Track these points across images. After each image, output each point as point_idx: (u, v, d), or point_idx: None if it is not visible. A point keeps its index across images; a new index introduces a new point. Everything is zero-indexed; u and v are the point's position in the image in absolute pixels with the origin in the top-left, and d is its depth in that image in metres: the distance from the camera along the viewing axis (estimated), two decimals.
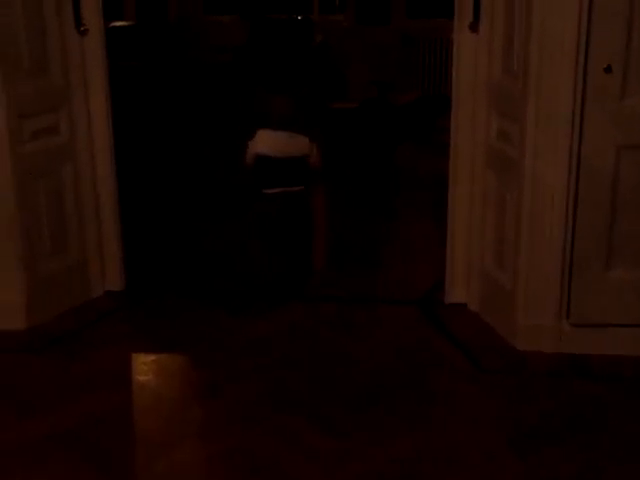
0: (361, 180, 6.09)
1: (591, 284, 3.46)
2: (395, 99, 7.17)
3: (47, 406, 3.21)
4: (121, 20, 9.78)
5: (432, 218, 4.87)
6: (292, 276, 4.27)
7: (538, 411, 3.18)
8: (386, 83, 7.32)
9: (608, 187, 3.36)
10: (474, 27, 3.66)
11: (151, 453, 2.96)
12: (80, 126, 3.96)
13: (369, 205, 5.74)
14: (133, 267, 4.34)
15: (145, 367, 3.57)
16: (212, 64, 6.99)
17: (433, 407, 3.25)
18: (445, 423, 3.11)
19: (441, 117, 4.72)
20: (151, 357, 3.64)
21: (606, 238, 3.41)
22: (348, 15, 9.98)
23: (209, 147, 5.82)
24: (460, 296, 4.02)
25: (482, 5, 3.61)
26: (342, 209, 5.55)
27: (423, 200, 5.71)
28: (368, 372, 3.47)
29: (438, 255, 4.13)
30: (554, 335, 3.54)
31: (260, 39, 7.96)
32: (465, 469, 2.80)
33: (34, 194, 3.79)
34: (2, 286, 3.77)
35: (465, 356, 3.58)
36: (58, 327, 3.85)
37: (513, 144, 3.54)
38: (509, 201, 3.61)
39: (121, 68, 5.34)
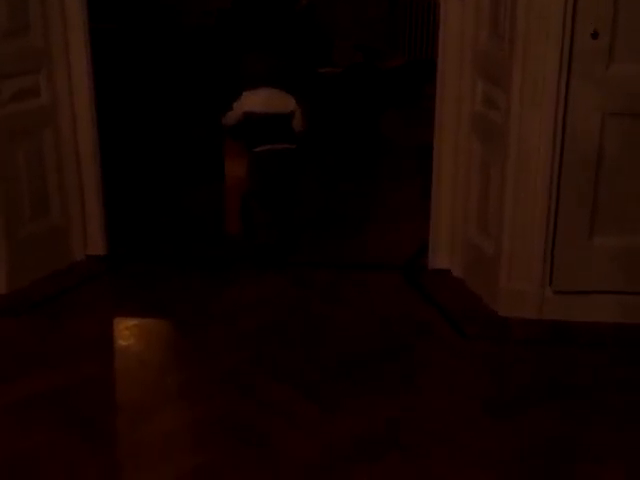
0: (345, 146, 6.05)
1: (574, 251, 3.46)
2: (381, 64, 7.10)
3: (28, 371, 3.20)
4: None
5: (417, 185, 4.85)
6: (283, 238, 4.27)
7: (519, 377, 3.20)
8: (372, 48, 7.25)
9: (593, 154, 3.35)
10: None
11: (133, 418, 2.95)
12: (61, 88, 3.91)
13: (353, 171, 5.71)
14: (115, 231, 4.31)
15: (127, 332, 3.55)
16: (196, 27, 6.89)
17: (415, 373, 3.26)
18: (427, 389, 3.12)
19: (428, 83, 4.68)
20: (133, 322, 3.63)
21: (590, 205, 3.41)
22: None
23: (192, 110, 5.76)
24: (443, 262, 4.02)
25: None
26: (326, 175, 5.54)
27: (408, 167, 5.68)
28: (351, 338, 3.47)
29: (422, 222, 4.12)
30: (537, 302, 3.55)
31: (244, 2, 7.86)
32: (445, 434, 2.81)
33: (14, 157, 3.74)
34: None
35: (447, 322, 3.59)
36: (39, 291, 3.82)
37: (499, 110, 3.52)
38: (493, 167, 3.60)
39: (103, 31, 5.26)
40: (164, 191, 5.24)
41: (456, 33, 3.71)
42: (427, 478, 2.57)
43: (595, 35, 3.20)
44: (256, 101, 4.20)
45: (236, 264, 4.19)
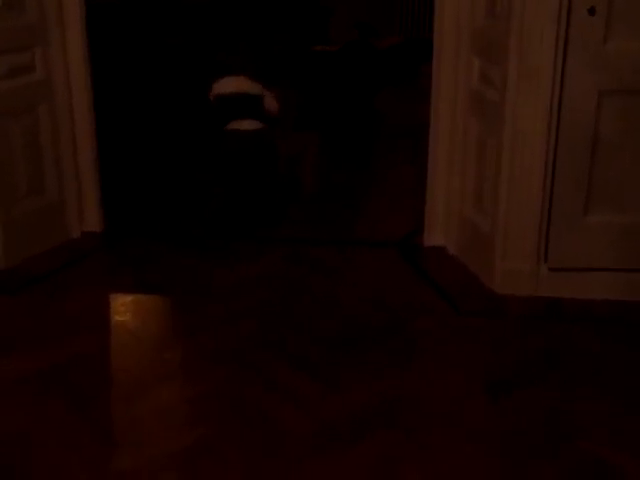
0: (341, 124, 6.03)
1: (569, 228, 3.47)
2: (378, 43, 7.08)
3: (23, 346, 3.21)
4: None
5: (413, 163, 4.85)
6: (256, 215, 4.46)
7: (514, 354, 3.21)
8: (369, 26, 7.22)
9: (589, 131, 3.35)
10: None
11: (129, 394, 2.95)
12: (57, 64, 3.90)
13: (349, 149, 5.71)
14: (112, 208, 4.31)
15: (123, 308, 3.57)
16: (190, 4, 6.84)
17: (411, 349, 3.27)
18: (422, 365, 3.13)
19: (425, 62, 4.71)
20: (129, 298, 3.64)
21: (585, 183, 3.41)
22: None
23: (183, 89, 5.73)
24: (439, 239, 4.03)
25: None
26: (322, 153, 5.53)
27: (404, 145, 5.68)
28: (347, 315, 3.48)
29: (418, 200, 4.13)
30: (532, 279, 3.56)
31: None
32: (445, 411, 2.82)
33: (9, 133, 3.73)
34: None
35: (443, 299, 3.60)
36: (35, 268, 3.83)
37: (495, 88, 3.51)
38: (489, 145, 3.60)
39: (97, 6, 5.22)
40: (159, 168, 5.24)
41: (452, 11, 3.70)
42: (427, 455, 2.59)
43: (592, 11, 3.19)
44: (224, 85, 4.56)
45: (235, 242, 4.19)
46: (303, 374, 3.02)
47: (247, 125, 4.45)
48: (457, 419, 2.78)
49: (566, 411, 2.82)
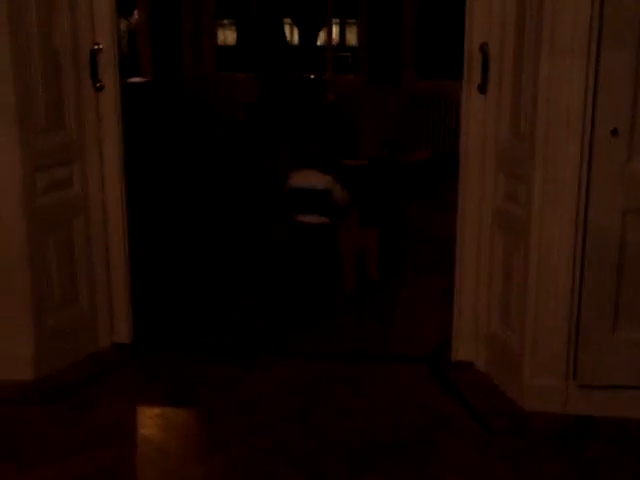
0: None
1: (598, 345, 3.45)
2: (404, 158, 7.23)
3: (50, 458, 3.21)
4: (138, 76, 9.96)
5: (439, 275, 4.88)
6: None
7: (544, 475, 3.15)
8: (396, 141, 7.39)
9: (614, 249, 3.37)
10: (482, 89, 3.72)
11: None
12: (93, 179, 4.02)
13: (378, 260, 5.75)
14: (141, 318, 4.36)
15: (149, 421, 3.57)
16: (226, 121, 7.09)
17: (439, 468, 3.22)
18: None
19: (448, 176, 4.84)
20: (156, 411, 3.64)
21: (613, 300, 3.41)
22: (360, 75, 10.13)
23: (218, 203, 5.88)
24: (467, 354, 4.01)
25: (490, 67, 3.67)
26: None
27: (430, 257, 5.72)
28: (372, 431, 3.45)
29: (445, 313, 4.14)
30: (561, 396, 3.52)
31: (273, 96, 8.08)
32: None
33: (45, 245, 3.84)
34: (11, 337, 3.79)
35: (471, 416, 3.56)
36: (65, 379, 3.86)
37: (520, 205, 3.56)
38: (516, 261, 3.63)
39: (137, 124, 5.43)
40: (190, 279, 5.31)
41: (477, 127, 3.79)
42: None
43: (615, 132, 3.26)
44: (298, 178, 5.05)
45: (260, 354, 4.21)
46: None
47: (312, 219, 4.93)
48: None
49: None
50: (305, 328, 4.54)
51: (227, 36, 18.10)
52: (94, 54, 3.89)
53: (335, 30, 17.60)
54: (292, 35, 19.38)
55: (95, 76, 3.92)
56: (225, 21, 17.62)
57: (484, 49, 3.67)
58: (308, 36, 17.76)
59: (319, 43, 16.79)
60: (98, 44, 3.89)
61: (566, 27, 3.24)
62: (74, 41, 3.84)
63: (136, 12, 10.19)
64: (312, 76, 9.43)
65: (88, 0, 3.86)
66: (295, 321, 4.63)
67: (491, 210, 3.80)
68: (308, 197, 4.94)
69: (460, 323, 4.01)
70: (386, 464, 3.19)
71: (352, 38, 16.58)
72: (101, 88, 3.95)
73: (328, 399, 3.72)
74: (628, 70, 3.22)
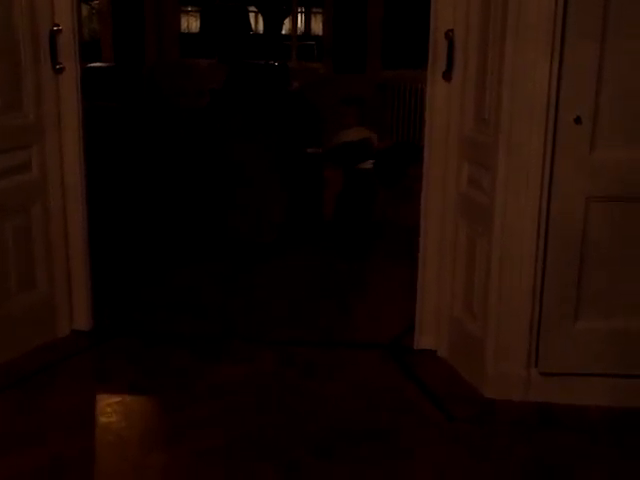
0: (336, 225, 6.09)
1: (560, 333, 3.47)
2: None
3: (6, 447, 3.14)
4: (99, 62, 9.83)
5: (402, 264, 4.88)
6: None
7: (505, 461, 3.16)
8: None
9: (577, 237, 3.38)
10: (447, 76, 3.71)
11: None
12: (52, 164, 3.94)
13: (339, 248, 5.74)
14: (102, 305, 4.30)
15: (109, 409, 3.51)
16: (189, 107, 7.01)
17: (400, 456, 3.21)
18: (412, 472, 3.08)
19: (413, 165, 4.87)
20: (116, 399, 3.59)
21: (575, 287, 3.43)
22: (325, 63, 10.11)
23: (180, 188, 5.82)
24: (429, 342, 4.01)
25: (455, 54, 3.66)
26: (311, 254, 5.59)
27: (394, 245, 5.72)
28: (335, 419, 3.43)
29: (408, 301, 4.13)
30: (523, 383, 3.53)
31: (237, 83, 8.01)
32: None
33: (1, 231, 3.75)
34: None
35: (433, 404, 3.56)
36: (22, 366, 3.78)
37: (484, 192, 3.56)
38: (479, 249, 3.63)
39: (97, 108, 5.34)
40: (152, 266, 5.26)
41: (442, 115, 3.78)
42: None
43: (578, 120, 3.27)
44: (344, 135, 5.91)
45: (224, 341, 4.17)
46: (287, 478, 2.95)
47: (367, 165, 5.88)
48: None
49: None
50: (272, 316, 4.50)
51: (190, 23, 17.97)
52: (53, 35, 3.80)
53: (301, 19, 17.58)
54: (257, 24, 19.29)
55: (55, 58, 3.84)
56: (189, 8, 17.48)
57: (449, 36, 3.66)
58: (273, 25, 17.68)
59: (284, 32, 16.73)
60: (58, 25, 3.81)
61: (531, 15, 3.23)
62: (33, 22, 3.75)
63: None
64: (276, 63, 9.38)
65: None
66: (262, 308, 4.59)
67: (455, 198, 3.80)
68: (358, 148, 5.84)
69: (423, 311, 4.01)
70: (352, 453, 3.17)
71: (318, 28, 16.57)
72: (60, 70, 3.86)
73: (292, 388, 3.69)
74: (592, 58, 3.22)
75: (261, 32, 18.64)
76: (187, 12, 17.38)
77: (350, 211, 5.84)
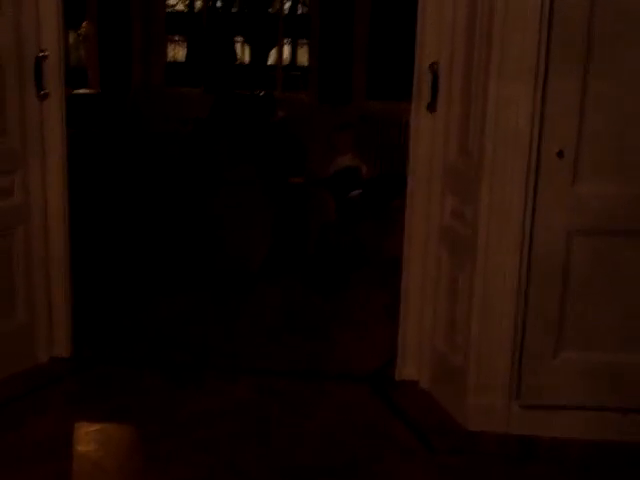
0: (317, 253, 6.09)
1: (541, 366, 3.47)
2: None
3: None
4: (85, 88, 9.85)
5: (385, 294, 4.87)
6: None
7: None
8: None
9: (559, 270, 3.39)
10: (431, 108, 3.74)
11: None
12: (35, 189, 3.92)
13: (320, 279, 5.73)
14: (82, 333, 4.26)
15: (87, 437, 3.47)
16: (173, 134, 7.03)
17: None
18: None
19: (397, 196, 4.91)
20: (94, 427, 3.54)
21: (556, 320, 3.43)
22: (311, 93, 10.16)
23: (164, 216, 5.81)
24: (411, 373, 4.00)
25: (440, 86, 3.69)
26: (292, 285, 5.57)
27: (378, 275, 5.72)
28: (315, 451, 3.40)
29: (390, 332, 4.12)
30: (504, 416, 3.52)
31: (222, 112, 8.05)
32: None
33: None
34: None
35: (415, 436, 3.54)
36: None
37: (467, 224, 3.57)
38: (461, 281, 3.63)
39: (82, 135, 5.34)
40: (135, 294, 5.23)
41: (426, 146, 3.80)
42: None
43: (560, 154, 3.29)
44: (337, 162, 6.21)
45: (204, 370, 4.14)
46: None
47: (356, 193, 6.10)
48: None
49: None
50: (254, 346, 4.48)
51: (177, 52, 18.05)
52: (39, 61, 3.81)
53: (287, 50, 17.72)
54: (243, 53, 19.41)
55: (40, 84, 3.83)
56: (176, 37, 17.57)
57: (434, 68, 3.69)
58: (259, 55, 17.80)
59: (270, 62, 16.85)
60: (44, 51, 3.82)
61: (514, 48, 3.26)
62: (19, 47, 3.75)
63: (85, 23, 10.08)
64: (262, 93, 9.43)
65: (34, 6, 3.78)
66: (244, 338, 4.57)
67: (438, 229, 3.81)
68: (349, 176, 6.12)
69: (405, 342, 4.00)
70: None
71: (303, 58, 16.69)
72: (45, 96, 3.86)
73: (272, 420, 3.67)
74: (574, 92, 3.25)
75: (247, 62, 18.75)
76: (174, 41, 17.47)
77: (336, 240, 5.86)
